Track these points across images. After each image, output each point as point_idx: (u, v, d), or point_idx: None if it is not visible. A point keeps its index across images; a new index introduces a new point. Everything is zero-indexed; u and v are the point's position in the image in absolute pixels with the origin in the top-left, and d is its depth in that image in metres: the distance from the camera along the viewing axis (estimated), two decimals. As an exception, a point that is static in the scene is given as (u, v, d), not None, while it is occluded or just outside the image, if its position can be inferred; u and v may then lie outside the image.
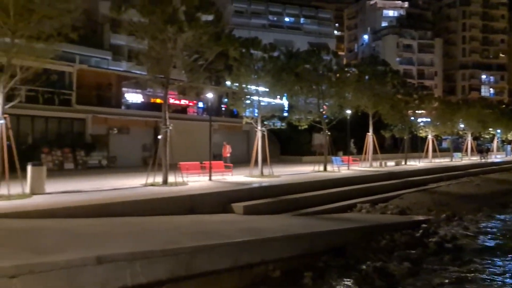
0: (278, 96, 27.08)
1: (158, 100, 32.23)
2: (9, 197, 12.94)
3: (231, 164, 22.24)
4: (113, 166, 27.36)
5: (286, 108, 37.75)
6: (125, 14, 16.98)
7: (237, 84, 23.53)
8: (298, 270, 10.92)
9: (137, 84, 31.20)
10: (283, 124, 38.44)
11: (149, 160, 21.66)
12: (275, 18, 75.10)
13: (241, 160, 31.32)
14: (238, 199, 16.12)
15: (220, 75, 22.47)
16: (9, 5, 12.29)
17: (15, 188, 13.39)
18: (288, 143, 40.36)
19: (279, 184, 19.46)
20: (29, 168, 14.27)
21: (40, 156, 23.12)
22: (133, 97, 32.79)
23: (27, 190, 13.94)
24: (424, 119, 43.46)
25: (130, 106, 31.99)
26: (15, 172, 13.51)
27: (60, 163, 24.61)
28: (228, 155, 26.89)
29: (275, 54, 24.42)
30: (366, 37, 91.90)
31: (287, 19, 76.04)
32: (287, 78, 23.55)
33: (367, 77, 31.72)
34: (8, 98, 13.48)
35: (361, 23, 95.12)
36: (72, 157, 25.24)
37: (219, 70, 20.49)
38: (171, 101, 31.00)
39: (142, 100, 33.24)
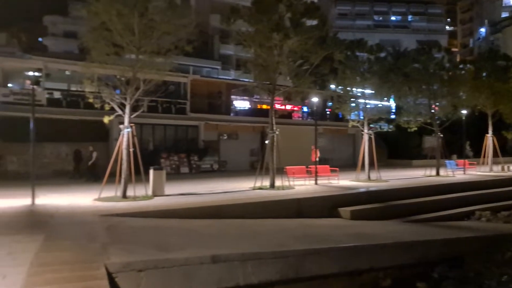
0: (385, 98, 26.18)
1: (265, 106, 33.15)
2: (135, 198, 14.36)
3: (337, 168, 22.01)
4: (224, 170, 28.74)
5: (394, 110, 36.29)
6: (234, 24, 17.83)
7: (342, 87, 23.30)
8: (410, 279, 10.47)
9: (245, 91, 32.43)
10: (391, 126, 36.98)
11: (256, 164, 22.36)
12: (380, 18, 72.66)
13: (347, 164, 30.83)
14: (345, 203, 15.95)
15: (325, 79, 22.39)
16: (134, 24, 13.69)
17: (139, 190, 14.79)
18: (396, 147, 38.71)
19: (387, 188, 18.82)
20: (151, 172, 15.68)
21: (159, 160, 25.21)
22: (241, 104, 34.15)
23: (150, 192, 15.31)
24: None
25: (238, 112, 33.37)
26: (139, 175, 14.92)
27: (177, 167, 26.55)
28: (317, 159, 25.87)
29: (382, 55, 23.71)
30: (483, 30, 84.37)
31: (393, 18, 73.09)
32: (394, 79, 22.76)
33: (485, 73, 29.26)
34: (133, 108, 14.96)
35: (477, 15, 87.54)
36: (187, 162, 27.08)
37: (324, 74, 20.44)
38: (277, 106, 31.72)
39: (250, 106, 34.47)
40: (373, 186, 19.65)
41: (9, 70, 25.34)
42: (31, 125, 13.35)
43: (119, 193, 14.52)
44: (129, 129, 14.55)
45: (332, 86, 25.05)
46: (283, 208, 14.68)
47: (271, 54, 17.77)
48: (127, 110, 14.56)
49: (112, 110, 14.65)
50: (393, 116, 34.85)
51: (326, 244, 10.42)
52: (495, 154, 29.65)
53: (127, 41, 13.97)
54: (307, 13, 17.69)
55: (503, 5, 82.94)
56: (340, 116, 33.50)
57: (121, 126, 14.71)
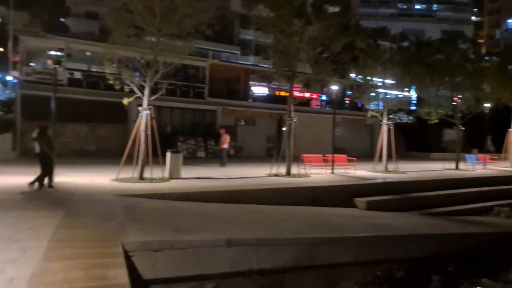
0: (406, 89, 25.77)
1: (283, 93, 32.99)
2: (151, 180, 14.49)
3: (354, 158, 21.83)
4: (240, 156, 28.79)
5: (414, 101, 35.74)
6: (255, 9, 17.64)
7: (362, 76, 22.98)
8: (425, 272, 10.37)
9: (263, 78, 32.28)
10: (411, 118, 36.47)
11: (273, 151, 22.33)
12: (404, 6, 71.10)
13: (365, 154, 30.58)
14: (361, 193, 15.85)
15: (345, 67, 22.13)
16: (155, 6, 13.65)
17: (156, 172, 14.91)
18: (415, 138, 38.20)
19: (405, 180, 18.63)
20: (168, 155, 15.78)
21: (176, 144, 25.37)
22: (259, 90, 34.02)
23: (166, 174, 15.42)
24: None
25: (256, 98, 33.28)
26: (156, 157, 15.04)
27: (193, 151, 26.70)
28: (226, 146, 21.94)
29: (404, 44, 23.28)
30: (511, 21, 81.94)
31: (417, 6, 71.45)
32: (417, 69, 22.28)
33: (511, 66, 28.49)
34: (152, 91, 15.00)
35: (506, 6, 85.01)
36: (204, 146, 27.20)
37: (345, 62, 20.19)
38: (295, 93, 31.49)
39: (268, 93, 34.32)
40: (391, 177, 19.47)
41: (32, 49, 25.66)
42: (53, 104, 13.52)
43: (136, 175, 14.66)
44: (147, 112, 14.63)
45: (352, 75, 24.72)
46: (298, 196, 14.66)
47: (291, 40, 17.57)
48: (146, 92, 14.62)
49: (132, 92, 14.72)
50: (413, 107, 34.39)
51: (341, 233, 10.38)
52: (517, 150, 29.03)
53: (148, 23, 13.95)
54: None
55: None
56: (359, 106, 33.24)
57: (139, 108, 14.78)
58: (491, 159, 28.53)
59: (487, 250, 12.01)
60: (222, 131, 22.15)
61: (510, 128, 28.87)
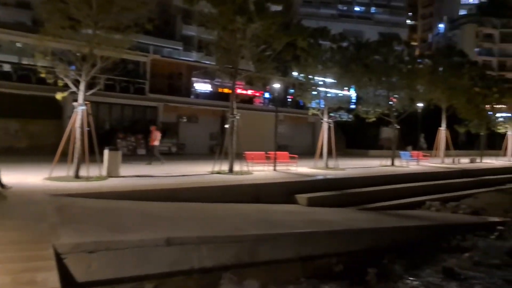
0: (346, 88, 26.57)
1: (226, 90, 32.87)
2: (88, 178, 13.87)
3: (296, 155, 22.18)
4: (182, 153, 28.37)
5: (354, 100, 36.96)
6: (197, 5, 17.40)
7: (304, 75, 23.37)
8: (362, 265, 10.72)
9: (206, 74, 32.00)
10: (350, 116, 37.71)
11: (216, 148, 22.18)
12: (345, 8, 73.33)
13: (306, 152, 31.20)
14: (302, 190, 16.11)
15: (287, 65, 22.43)
16: (92, -2, 13.08)
17: (93, 171, 14.31)
18: (354, 136, 39.58)
19: (344, 177, 19.19)
20: (106, 152, 15.19)
21: (116, 141, 24.53)
22: (202, 86, 33.63)
23: (104, 172, 14.84)
24: (505, 114, 40.66)
25: (199, 95, 32.89)
26: (94, 155, 14.43)
27: (134, 148, 25.95)
28: (156, 143, 21.12)
29: (344, 44, 23.98)
30: (442, 26, 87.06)
31: (357, 8, 73.97)
32: (355, 69, 23.03)
33: (441, 68, 30.24)
34: (89, 86, 14.35)
35: (437, 11, 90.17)
36: (144, 143, 26.50)
37: (287, 61, 20.45)
38: (238, 91, 31.48)
39: (211, 89, 34.04)
40: (331, 174, 19.98)
41: (-45, 39, 23.80)
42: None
43: (71, 173, 13.99)
44: (83, 107, 13.99)
45: (294, 73, 25.08)
46: (240, 193, 14.63)
47: (234, 37, 17.50)
48: (82, 87, 13.96)
49: (66, 86, 14.01)
50: (352, 106, 35.58)
51: (281, 229, 10.49)
52: (447, 147, 30.86)
53: (83, 15, 13.32)
54: (272, -2, 17.51)
55: (462, 2, 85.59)
56: (301, 104, 33.83)
57: (74, 103, 14.10)
58: (424, 156, 30.16)
59: (420, 242, 12.65)
60: (152, 128, 21.52)
61: (440, 126, 30.64)
